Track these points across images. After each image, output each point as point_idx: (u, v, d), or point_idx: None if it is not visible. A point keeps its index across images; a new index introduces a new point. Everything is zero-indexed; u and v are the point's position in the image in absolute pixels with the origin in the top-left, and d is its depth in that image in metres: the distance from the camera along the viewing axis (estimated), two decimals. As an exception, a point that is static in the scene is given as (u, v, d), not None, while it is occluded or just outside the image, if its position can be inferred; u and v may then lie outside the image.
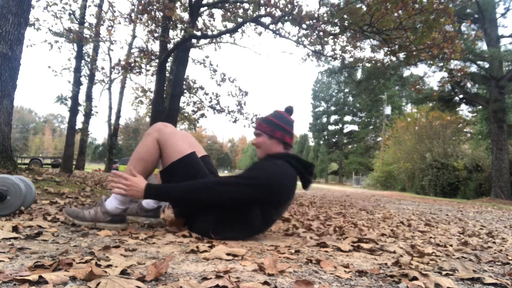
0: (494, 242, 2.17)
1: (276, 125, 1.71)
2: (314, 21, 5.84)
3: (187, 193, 1.53)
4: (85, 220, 1.62)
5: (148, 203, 1.88)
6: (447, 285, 1.00)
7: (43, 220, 1.73)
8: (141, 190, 1.53)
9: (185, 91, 9.35)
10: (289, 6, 5.81)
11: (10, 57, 3.73)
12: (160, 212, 1.98)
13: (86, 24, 9.07)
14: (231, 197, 1.53)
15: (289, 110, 1.79)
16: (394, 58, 7.16)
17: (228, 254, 1.23)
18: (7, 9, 3.75)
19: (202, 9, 7.76)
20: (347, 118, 45.56)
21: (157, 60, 8.26)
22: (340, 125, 46.08)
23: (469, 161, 15.63)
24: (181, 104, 9.21)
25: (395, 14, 5.32)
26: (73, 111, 9.48)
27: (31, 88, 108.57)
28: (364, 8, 5.66)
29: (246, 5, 7.17)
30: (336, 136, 46.03)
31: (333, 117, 46.46)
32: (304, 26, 6.00)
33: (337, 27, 6.35)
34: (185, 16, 7.95)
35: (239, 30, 8.10)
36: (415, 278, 1.04)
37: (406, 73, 14.14)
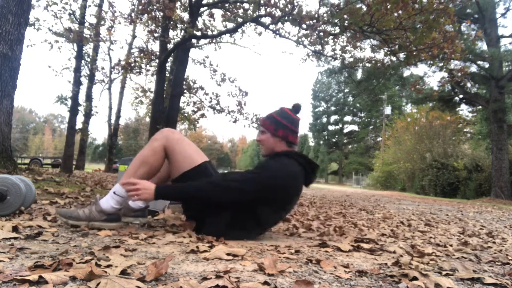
0: (494, 242, 2.17)
1: (279, 123, 1.71)
2: (314, 21, 5.85)
3: (196, 192, 1.55)
4: (79, 220, 1.61)
5: (135, 203, 1.89)
6: (447, 285, 1.00)
7: (43, 220, 1.73)
8: (152, 192, 1.55)
9: (185, 91, 9.35)
10: (289, 6, 5.81)
11: (10, 57, 3.74)
12: (144, 212, 1.98)
13: (86, 24, 9.07)
14: (239, 194, 1.55)
15: (296, 108, 1.79)
16: (394, 58, 7.17)
17: (228, 254, 1.23)
18: (7, 9, 3.75)
19: (202, 9, 7.76)
20: (347, 118, 45.52)
21: (157, 60, 8.26)
22: (340, 125, 46.05)
23: (469, 161, 15.63)
24: (181, 104, 9.22)
25: (395, 14, 5.31)
26: (73, 111, 9.47)
27: (31, 88, 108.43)
28: (364, 8, 5.66)
29: (246, 5, 7.17)
30: (336, 136, 46.00)
31: (333, 117, 46.42)
32: (304, 26, 6.00)
33: (337, 27, 6.36)
34: (185, 16, 7.95)
35: (239, 30, 8.10)
36: (415, 278, 1.04)
37: (406, 73, 14.15)
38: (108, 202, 1.64)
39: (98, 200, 1.65)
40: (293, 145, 1.75)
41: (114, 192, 1.65)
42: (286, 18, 5.91)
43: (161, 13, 6.32)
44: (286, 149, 1.72)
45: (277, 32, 6.75)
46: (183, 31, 7.11)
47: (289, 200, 1.69)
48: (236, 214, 1.60)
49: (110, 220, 1.65)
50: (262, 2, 5.76)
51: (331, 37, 6.84)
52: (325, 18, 6.13)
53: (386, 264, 1.30)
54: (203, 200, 1.59)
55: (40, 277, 0.82)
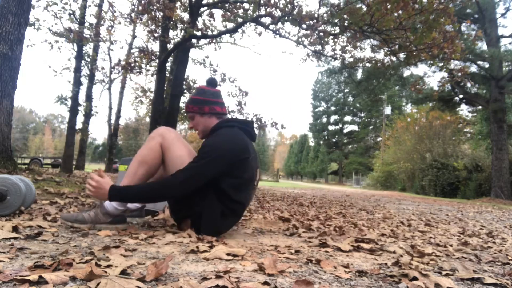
0: (494, 242, 2.17)
1: (201, 101, 1.72)
2: (314, 21, 5.85)
3: (151, 192, 1.54)
4: (85, 223, 1.62)
5: (132, 203, 1.89)
6: (447, 285, 1.00)
7: (43, 220, 1.73)
8: (106, 192, 1.52)
9: (185, 91, 9.34)
10: (289, 6, 5.81)
11: (10, 57, 3.73)
12: (140, 212, 1.98)
13: (86, 24, 9.09)
14: (196, 181, 1.53)
15: (211, 82, 1.81)
16: (394, 58, 7.17)
17: (228, 254, 1.23)
18: (7, 9, 3.75)
19: (202, 9, 7.76)
20: (347, 118, 45.53)
21: (157, 60, 8.26)
22: (340, 125, 46.06)
23: (469, 161, 15.62)
24: (181, 104, 9.21)
25: (395, 14, 5.31)
26: (73, 111, 9.47)
27: (31, 88, 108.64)
28: (364, 8, 5.66)
29: (246, 5, 7.17)
30: (336, 136, 46.01)
31: (333, 117, 46.44)
32: (304, 26, 6.00)
33: (337, 27, 6.36)
34: (185, 16, 7.95)
35: (239, 30, 8.10)
36: (415, 278, 1.04)
37: (406, 73, 14.15)
38: (111, 204, 1.64)
39: (102, 203, 1.66)
40: (222, 116, 1.76)
41: None
42: (286, 18, 5.91)
43: (161, 13, 6.32)
44: (217, 121, 1.73)
45: (277, 32, 6.75)
46: (183, 31, 7.11)
47: (246, 165, 1.64)
48: (224, 206, 1.61)
49: (115, 221, 1.66)
50: (262, 2, 5.76)
51: (331, 37, 6.85)
52: (325, 18, 6.13)
53: (386, 264, 1.30)
54: (162, 198, 1.60)
55: (40, 277, 0.82)
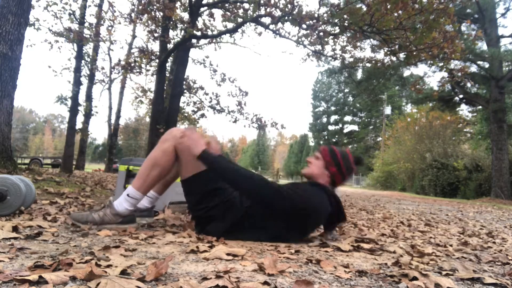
0: (494, 242, 2.17)
1: (337, 163, 1.75)
2: (314, 21, 5.84)
3: (233, 173, 1.56)
4: (95, 224, 1.62)
5: (142, 203, 1.89)
6: (447, 285, 1.00)
7: (43, 220, 1.73)
8: (200, 150, 1.57)
9: (185, 91, 9.33)
10: (289, 6, 5.80)
11: (10, 57, 3.73)
12: (150, 212, 1.98)
13: (86, 24, 9.08)
14: (266, 198, 1.56)
15: (358, 160, 1.84)
16: (394, 58, 7.16)
17: (228, 254, 1.23)
18: (7, 9, 3.75)
19: (202, 9, 7.75)
20: (347, 118, 45.55)
21: (157, 60, 8.26)
22: (340, 125, 46.07)
23: (469, 161, 15.63)
24: (181, 104, 9.20)
25: (395, 14, 5.31)
26: (73, 111, 9.46)
27: (31, 88, 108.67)
28: (364, 8, 5.66)
29: (246, 5, 7.16)
30: (336, 136, 46.01)
31: (333, 117, 46.45)
32: (304, 26, 5.99)
33: (337, 27, 6.35)
34: (185, 16, 7.94)
35: (239, 30, 8.09)
36: (415, 278, 1.04)
37: (406, 73, 14.16)
38: (122, 205, 1.64)
39: (112, 203, 1.65)
40: (333, 185, 1.79)
41: (128, 195, 1.65)
42: (286, 18, 5.91)
43: (161, 13, 6.32)
44: (327, 185, 1.75)
45: (277, 32, 6.74)
46: (183, 31, 7.10)
47: (305, 227, 1.68)
48: (240, 223, 1.60)
49: (125, 222, 1.66)
50: (262, 2, 5.75)
51: (331, 37, 6.84)
52: (325, 18, 6.12)
53: (386, 264, 1.30)
54: (233, 184, 1.59)
55: (40, 277, 0.82)
